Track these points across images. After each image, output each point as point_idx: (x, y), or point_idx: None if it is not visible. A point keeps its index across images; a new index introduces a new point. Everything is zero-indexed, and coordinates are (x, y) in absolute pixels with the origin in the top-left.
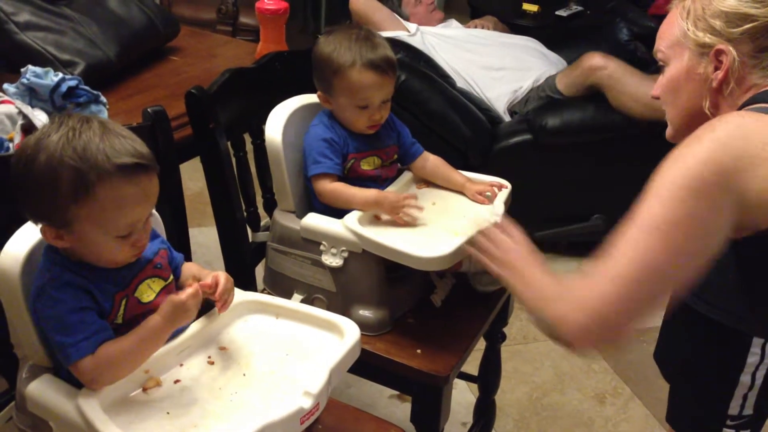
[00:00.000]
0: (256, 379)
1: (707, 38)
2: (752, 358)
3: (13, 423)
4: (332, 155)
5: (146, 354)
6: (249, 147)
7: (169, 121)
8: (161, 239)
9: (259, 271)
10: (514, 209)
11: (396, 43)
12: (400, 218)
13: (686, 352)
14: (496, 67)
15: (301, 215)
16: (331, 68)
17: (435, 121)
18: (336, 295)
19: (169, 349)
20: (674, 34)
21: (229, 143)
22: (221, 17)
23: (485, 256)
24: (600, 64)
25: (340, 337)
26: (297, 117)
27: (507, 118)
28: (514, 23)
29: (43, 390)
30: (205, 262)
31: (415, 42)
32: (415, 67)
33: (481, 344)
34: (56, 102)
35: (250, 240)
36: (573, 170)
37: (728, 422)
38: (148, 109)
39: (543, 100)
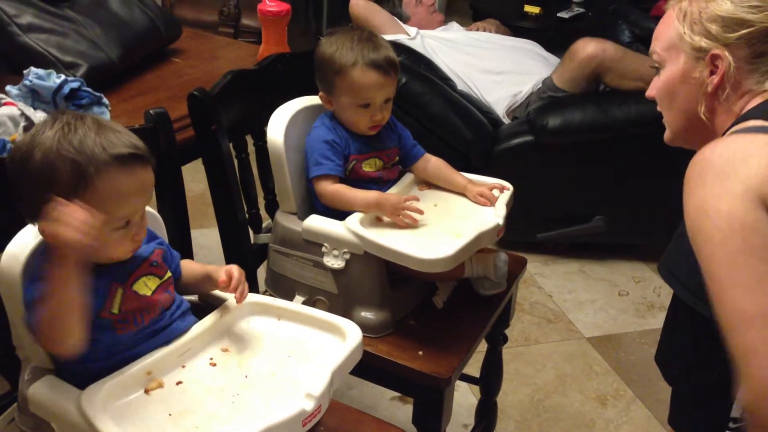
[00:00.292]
0: (258, 380)
1: (703, 42)
2: None
3: (15, 424)
4: (334, 157)
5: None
6: (251, 149)
7: (172, 122)
8: (159, 240)
9: (261, 272)
10: (516, 211)
11: (396, 47)
12: (401, 220)
13: (688, 355)
14: (497, 70)
15: (302, 217)
16: (333, 68)
17: (436, 124)
18: (338, 296)
19: (171, 350)
20: (670, 35)
21: (231, 145)
22: (223, 19)
23: None
24: (597, 50)
25: (341, 339)
26: (299, 119)
27: (507, 121)
28: (515, 25)
29: (45, 391)
30: (207, 263)
31: (415, 45)
32: (415, 70)
33: (482, 346)
34: (59, 104)
35: (252, 242)
36: (574, 172)
37: (730, 425)
38: (151, 111)
39: (545, 101)
